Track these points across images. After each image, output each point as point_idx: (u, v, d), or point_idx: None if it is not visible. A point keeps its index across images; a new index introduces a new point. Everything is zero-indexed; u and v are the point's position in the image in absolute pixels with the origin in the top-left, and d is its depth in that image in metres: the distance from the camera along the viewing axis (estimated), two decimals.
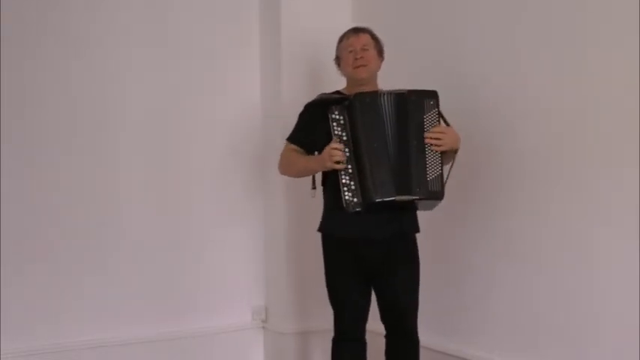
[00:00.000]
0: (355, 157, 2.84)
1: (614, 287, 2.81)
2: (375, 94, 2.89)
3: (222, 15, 4.09)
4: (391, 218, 2.95)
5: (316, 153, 3.02)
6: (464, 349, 3.44)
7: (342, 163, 2.83)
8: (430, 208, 2.97)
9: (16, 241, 3.52)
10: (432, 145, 2.85)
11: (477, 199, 3.38)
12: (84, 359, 3.65)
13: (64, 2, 3.67)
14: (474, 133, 3.10)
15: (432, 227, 3.17)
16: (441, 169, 2.86)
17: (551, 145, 3.05)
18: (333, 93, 3.12)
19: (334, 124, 2.87)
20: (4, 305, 3.47)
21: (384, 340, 3.09)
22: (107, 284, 3.73)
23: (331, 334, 3.09)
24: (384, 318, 3.07)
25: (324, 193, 3.09)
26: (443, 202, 2.91)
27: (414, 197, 2.85)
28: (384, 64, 3.12)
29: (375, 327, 3.12)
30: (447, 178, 2.88)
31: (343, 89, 3.13)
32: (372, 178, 2.81)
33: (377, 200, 2.80)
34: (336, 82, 3.20)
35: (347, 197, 2.84)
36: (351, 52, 3.03)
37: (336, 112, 2.88)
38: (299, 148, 3.08)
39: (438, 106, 2.89)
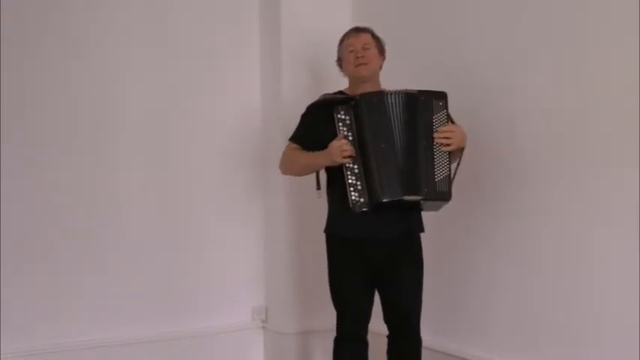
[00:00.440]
0: (362, 157, 2.83)
1: (614, 287, 2.81)
2: (382, 94, 2.88)
3: (222, 15, 4.09)
4: (399, 218, 2.95)
5: None
6: (464, 349, 3.44)
7: (351, 159, 2.83)
8: (436, 208, 2.97)
9: (16, 241, 3.52)
10: (441, 144, 2.84)
11: (476, 199, 3.38)
12: (84, 359, 3.65)
13: (64, 2, 3.67)
14: (474, 133, 3.09)
15: (432, 227, 3.17)
16: (449, 170, 2.85)
17: (551, 145, 3.05)
18: (336, 93, 3.12)
19: (340, 124, 2.87)
20: (4, 305, 3.47)
21: (384, 340, 3.09)
22: (107, 284, 3.73)
23: (332, 334, 3.09)
24: (387, 318, 3.06)
25: (328, 194, 3.08)
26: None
27: (421, 197, 2.84)
28: (384, 64, 3.12)
29: (375, 327, 3.11)
30: (454, 176, 2.87)
31: (345, 89, 3.13)
32: (379, 177, 2.80)
33: (384, 200, 2.80)
34: (336, 81, 3.21)
35: (353, 197, 2.83)
36: (352, 51, 3.03)
37: (342, 112, 2.87)
38: (302, 148, 3.08)
39: (447, 107, 2.88)
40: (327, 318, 3.21)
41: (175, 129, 3.96)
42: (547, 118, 3.06)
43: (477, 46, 3.40)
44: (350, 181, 2.84)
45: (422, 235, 3.06)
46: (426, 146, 2.84)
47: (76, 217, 3.67)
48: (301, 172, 3.18)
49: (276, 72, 4.05)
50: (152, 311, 3.85)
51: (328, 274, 3.08)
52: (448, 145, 2.85)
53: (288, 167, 3.17)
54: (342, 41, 3.12)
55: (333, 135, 2.87)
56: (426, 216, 3.07)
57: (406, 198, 2.82)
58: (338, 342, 3.07)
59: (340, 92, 3.11)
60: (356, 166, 2.84)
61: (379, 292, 3.06)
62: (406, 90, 2.89)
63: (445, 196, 2.85)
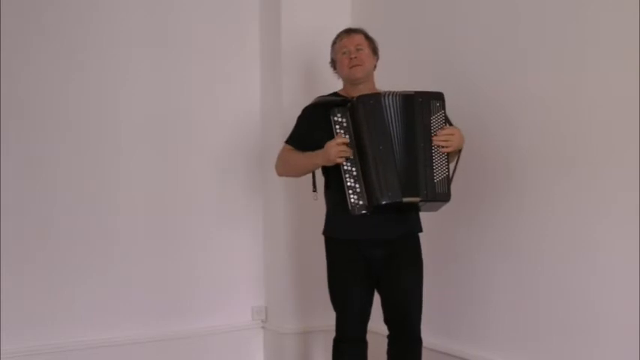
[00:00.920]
0: (360, 159, 2.82)
1: (614, 287, 2.81)
2: (379, 96, 2.87)
3: (222, 15, 4.09)
4: (397, 219, 2.94)
5: None
6: (465, 349, 3.44)
7: (348, 160, 2.82)
8: (435, 209, 2.97)
9: (16, 241, 3.52)
10: (439, 146, 2.84)
11: (476, 199, 3.38)
12: (84, 359, 3.65)
13: (63, 2, 3.67)
14: (474, 133, 3.09)
15: (432, 227, 3.17)
16: (448, 171, 2.85)
17: (552, 145, 3.04)
18: (331, 95, 3.11)
19: (337, 126, 2.86)
20: (4, 305, 3.47)
21: (384, 340, 3.08)
22: (107, 284, 3.73)
23: (331, 334, 3.09)
24: (387, 319, 3.06)
25: (326, 196, 3.07)
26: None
27: (421, 199, 2.84)
28: (383, 64, 3.12)
29: (375, 327, 3.11)
30: (452, 176, 2.87)
31: (340, 90, 3.12)
32: (378, 180, 2.79)
33: (383, 203, 2.79)
34: (336, 82, 3.20)
35: (352, 200, 2.82)
36: (345, 53, 3.02)
37: (339, 115, 2.86)
38: (298, 150, 3.07)
39: (444, 107, 2.87)
40: (326, 318, 3.21)
41: (175, 129, 3.96)
42: (547, 117, 3.06)
43: (476, 46, 3.40)
44: (348, 183, 2.82)
45: (421, 235, 3.06)
46: (424, 147, 2.83)
47: (76, 217, 3.68)
48: (297, 173, 3.17)
49: (276, 72, 4.05)
50: (152, 311, 3.85)
51: (327, 275, 3.07)
52: (447, 147, 2.85)
53: (283, 168, 3.17)
54: (334, 43, 3.10)
55: (330, 137, 2.86)
56: (426, 216, 3.07)
57: (406, 200, 2.82)
58: (337, 342, 3.07)
59: (335, 94, 3.11)
60: (354, 169, 2.83)
61: (379, 292, 3.05)
62: (403, 91, 2.87)
63: (444, 197, 2.85)
